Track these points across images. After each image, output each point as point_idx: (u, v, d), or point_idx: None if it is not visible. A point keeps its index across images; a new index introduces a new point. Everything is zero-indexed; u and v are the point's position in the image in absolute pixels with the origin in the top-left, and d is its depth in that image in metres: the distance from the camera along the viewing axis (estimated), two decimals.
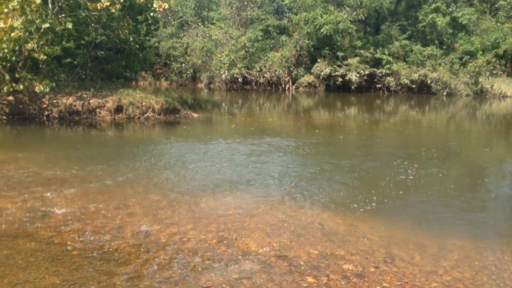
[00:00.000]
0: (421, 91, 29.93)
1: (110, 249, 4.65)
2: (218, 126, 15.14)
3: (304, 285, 4.05)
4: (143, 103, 14.82)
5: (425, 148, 11.44)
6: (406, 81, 29.46)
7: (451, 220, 6.12)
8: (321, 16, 28.92)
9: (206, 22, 33.45)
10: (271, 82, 31.26)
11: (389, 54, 29.83)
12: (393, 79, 29.71)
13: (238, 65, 29.91)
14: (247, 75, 30.69)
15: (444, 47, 30.69)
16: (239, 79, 30.50)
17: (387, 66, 29.41)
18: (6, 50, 12.31)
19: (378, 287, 4.06)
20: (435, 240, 5.28)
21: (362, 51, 29.45)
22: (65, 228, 5.17)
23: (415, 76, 29.30)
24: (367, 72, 29.19)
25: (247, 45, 30.01)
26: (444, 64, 29.71)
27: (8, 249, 4.58)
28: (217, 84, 30.89)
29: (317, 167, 8.74)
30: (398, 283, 4.16)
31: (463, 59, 30.13)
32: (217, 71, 30.27)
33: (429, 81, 29.12)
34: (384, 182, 7.70)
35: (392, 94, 29.66)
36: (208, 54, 30.75)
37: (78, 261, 4.36)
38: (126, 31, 15.76)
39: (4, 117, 13.54)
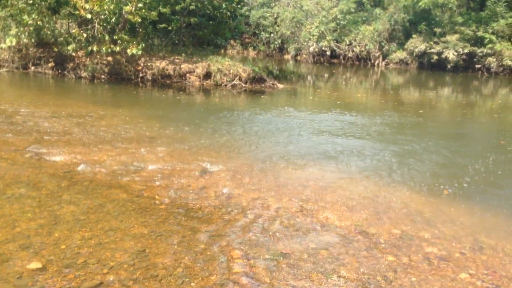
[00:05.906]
0: None
1: (194, 207, 4.84)
2: (303, 98, 15.03)
3: (384, 262, 3.95)
4: (231, 71, 15.06)
5: None
6: (510, 63, 27.16)
7: None
8: None
9: None
10: (360, 56, 30.31)
11: (492, 33, 27.57)
12: (495, 59, 27.53)
13: (327, 37, 29.30)
14: (335, 49, 30.00)
15: None
16: (327, 52, 29.91)
17: (489, 45, 27.26)
18: (107, 12, 13.04)
19: (463, 273, 3.86)
20: None
21: (462, 28, 27.52)
22: (154, 183, 5.45)
23: None
24: (466, 50, 27.32)
25: (338, 17, 29.22)
26: None
27: (102, 197, 4.93)
28: (304, 56, 30.55)
29: (403, 146, 8.40)
30: (485, 271, 3.92)
31: None
32: (305, 43, 29.90)
33: None
34: (476, 166, 7.23)
35: (492, 75, 27.54)
36: (298, 25, 30.40)
37: (165, 215, 4.59)
38: None
39: (103, 76, 14.46)
